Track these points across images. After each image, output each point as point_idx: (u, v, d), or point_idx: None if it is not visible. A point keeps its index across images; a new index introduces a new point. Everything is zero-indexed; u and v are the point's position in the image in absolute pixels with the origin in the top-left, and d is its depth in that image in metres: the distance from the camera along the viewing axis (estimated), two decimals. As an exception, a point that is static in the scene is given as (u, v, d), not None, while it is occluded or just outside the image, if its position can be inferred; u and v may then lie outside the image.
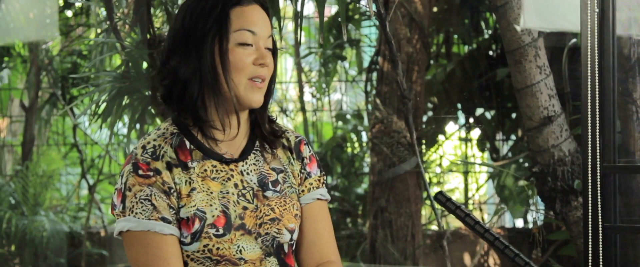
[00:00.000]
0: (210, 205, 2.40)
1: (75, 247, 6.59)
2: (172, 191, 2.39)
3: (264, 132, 2.52)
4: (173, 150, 2.42)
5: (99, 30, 5.96)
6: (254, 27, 2.43)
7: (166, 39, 2.49)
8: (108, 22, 4.89)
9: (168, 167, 2.40)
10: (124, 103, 4.68)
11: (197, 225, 2.39)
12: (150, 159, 2.39)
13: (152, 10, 4.70)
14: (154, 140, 2.43)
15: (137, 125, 4.77)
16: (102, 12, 5.86)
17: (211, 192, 2.42)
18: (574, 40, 4.87)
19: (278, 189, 2.51)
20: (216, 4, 2.42)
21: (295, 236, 2.54)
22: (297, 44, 6.40)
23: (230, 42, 2.41)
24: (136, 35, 4.72)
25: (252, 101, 2.44)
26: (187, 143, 2.44)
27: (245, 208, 2.44)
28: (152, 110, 4.71)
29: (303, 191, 2.58)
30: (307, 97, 6.84)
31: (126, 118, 4.81)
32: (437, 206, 5.17)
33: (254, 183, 2.48)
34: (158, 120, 4.83)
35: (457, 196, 7.07)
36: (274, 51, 2.49)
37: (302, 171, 2.59)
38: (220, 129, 2.45)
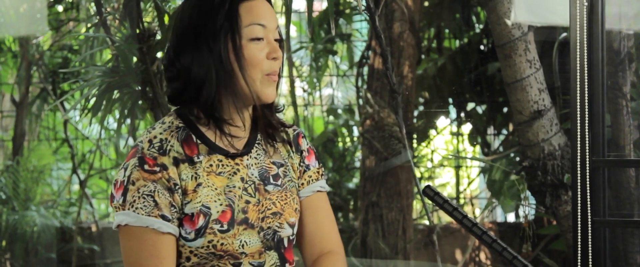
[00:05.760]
0: (215, 201, 2.40)
1: (66, 242, 6.57)
2: (176, 187, 2.38)
3: (272, 123, 2.53)
4: (180, 144, 2.41)
5: (89, 25, 5.94)
6: (263, 21, 2.42)
7: (171, 37, 2.47)
8: (98, 17, 4.88)
9: (175, 163, 2.39)
10: (113, 97, 4.67)
11: (201, 221, 2.38)
12: (157, 154, 2.38)
13: (141, 4, 4.68)
14: (160, 134, 2.42)
15: (128, 120, 4.75)
16: (93, 6, 5.85)
17: (216, 188, 2.41)
18: (564, 34, 4.87)
19: (279, 183, 2.52)
20: (224, 0, 2.41)
21: (295, 230, 2.54)
22: (287, 38, 6.40)
23: (243, 38, 2.40)
24: (126, 29, 4.70)
25: (268, 96, 2.44)
26: (194, 137, 2.43)
27: (247, 202, 2.44)
28: (143, 105, 4.70)
29: (303, 184, 2.59)
30: (298, 91, 6.82)
31: (117, 113, 4.80)
32: (427, 200, 5.16)
33: (256, 177, 2.48)
34: (148, 115, 4.81)
35: (449, 191, 7.07)
36: (280, 42, 2.49)
37: (301, 163, 2.60)
38: (240, 126, 2.45)
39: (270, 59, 2.42)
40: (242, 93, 2.41)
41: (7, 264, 6.43)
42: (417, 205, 6.26)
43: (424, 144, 6.39)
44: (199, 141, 2.43)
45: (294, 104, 6.53)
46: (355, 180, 6.58)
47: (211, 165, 2.42)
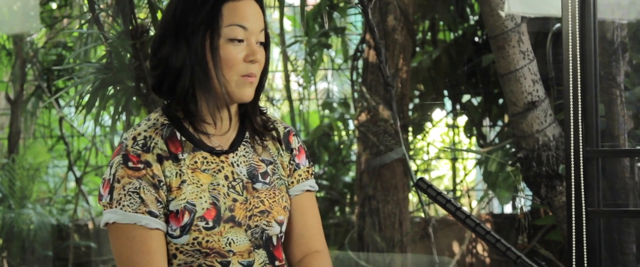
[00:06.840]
0: (200, 197, 2.39)
1: (63, 240, 6.57)
2: (161, 184, 2.37)
3: (255, 125, 2.51)
4: (164, 141, 2.41)
5: (82, 22, 5.94)
6: (245, 23, 2.40)
7: (157, 28, 2.48)
8: (91, 14, 4.87)
9: (159, 160, 2.39)
10: (108, 94, 4.66)
11: (186, 218, 2.37)
12: (141, 151, 2.38)
13: (134, 0, 4.68)
14: (145, 131, 2.42)
15: (123, 117, 4.75)
16: (86, 3, 5.84)
17: (201, 185, 2.40)
18: (558, 25, 4.86)
19: (267, 180, 2.50)
20: None
21: (284, 228, 2.53)
22: (281, 32, 6.39)
23: (221, 37, 2.38)
24: (119, 26, 4.70)
25: (243, 96, 2.42)
26: (178, 134, 2.43)
27: (235, 200, 2.43)
28: (137, 101, 4.70)
29: (292, 182, 2.58)
30: (293, 86, 6.82)
31: (111, 109, 4.79)
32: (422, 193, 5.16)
33: (244, 175, 2.47)
34: (143, 111, 4.81)
35: (446, 183, 7.06)
36: (266, 45, 2.47)
37: (291, 162, 2.58)
38: (211, 123, 2.44)
39: (248, 61, 2.40)
40: (215, 92, 2.40)
41: (4, 262, 6.44)
42: (413, 198, 6.26)
43: (419, 136, 6.39)
44: (183, 138, 2.43)
45: (289, 98, 6.52)
46: (351, 174, 6.58)
47: (196, 162, 2.42)
